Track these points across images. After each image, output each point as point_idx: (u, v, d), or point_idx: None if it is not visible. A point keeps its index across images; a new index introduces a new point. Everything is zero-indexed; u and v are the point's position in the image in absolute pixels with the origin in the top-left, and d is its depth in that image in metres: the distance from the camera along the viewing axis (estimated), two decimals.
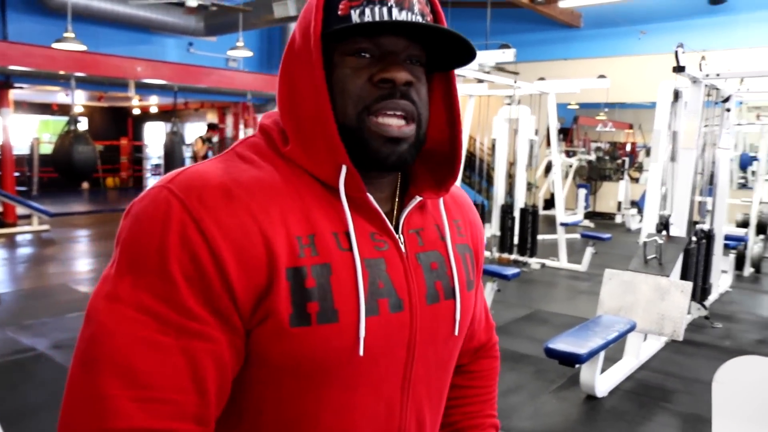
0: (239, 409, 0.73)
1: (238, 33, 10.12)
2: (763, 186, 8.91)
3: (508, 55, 5.78)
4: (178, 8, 10.55)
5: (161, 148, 17.92)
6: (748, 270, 7.47)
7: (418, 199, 0.81)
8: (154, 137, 18.14)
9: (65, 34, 7.53)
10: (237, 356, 0.69)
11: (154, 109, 15.96)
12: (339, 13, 0.71)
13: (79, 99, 11.19)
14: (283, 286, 0.67)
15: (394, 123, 0.73)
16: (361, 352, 0.71)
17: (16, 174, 10.14)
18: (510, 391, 3.78)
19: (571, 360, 3.32)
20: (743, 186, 11.32)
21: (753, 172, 10.48)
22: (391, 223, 0.78)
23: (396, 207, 0.81)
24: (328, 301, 0.69)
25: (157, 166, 17.50)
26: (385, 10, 0.71)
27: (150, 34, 11.68)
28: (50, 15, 9.50)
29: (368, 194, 0.75)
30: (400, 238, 0.78)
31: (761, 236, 8.04)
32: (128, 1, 9.53)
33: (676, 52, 4.85)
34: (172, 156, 8.48)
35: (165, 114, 16.66)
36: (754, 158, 9.42)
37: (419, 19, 0.73)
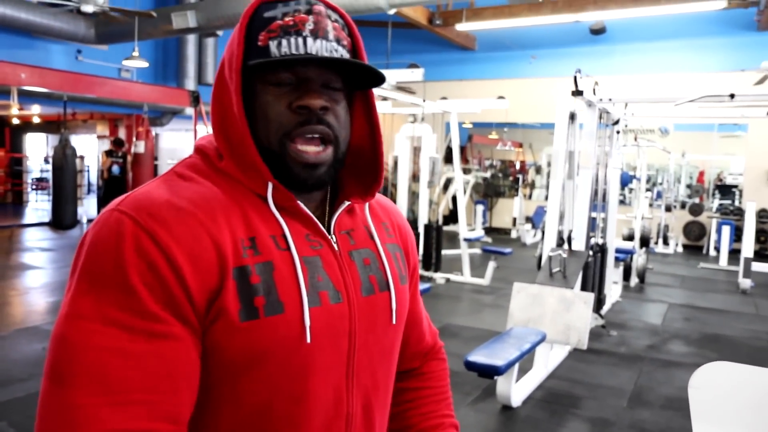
0: (200, 404, 0.76)
1: (132, 42, 9.68)
2: (643, 203, 9.66)
3: (416, 74, 5.93)
4: (65, 13, 9.95)
5: (45, 161, 16.80)
6: (634, 280, 8.04)
7: (347, 203, 0.89)
8: (36, 149, 16.91)
9: None
10: (198, 352, 0.74)
11: (36, 120, 14.88)
12: (259, 43, 0.78)
13: None
14: (231, 285, 0.73)
15: (311, 150, 0.80)
16: (309, 339, 0.77)
17: None
18: None
19: (491, 372, 3.42)
20: (622, 202, 12.22)
21: (631, 190, 11.34)
22: (323, 226, 0.85)
23: (327, 212, 0.89)
24: (273, 294, 0.75)
25: (40, 179, 16.29)
26: (300, 40, 0.77)
27: (32, 38, 10.93)
28: None
29: (299, 202, 0.82)
30: (332, 238, 0.85)
31: (644, 249, 8.70)
32: (5, 2, 8.87)
33: (575, 78, 5.17)
34: (63, 170, 7.91)
35: (49, 125, 15.59)
36: (633, 177, 10.18)
37: (334, 45, 0.79)
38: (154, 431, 0.68)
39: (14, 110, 11.54)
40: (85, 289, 0.70)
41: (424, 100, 7.53)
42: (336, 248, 0.85)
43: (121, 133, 12.48)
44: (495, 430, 3.57)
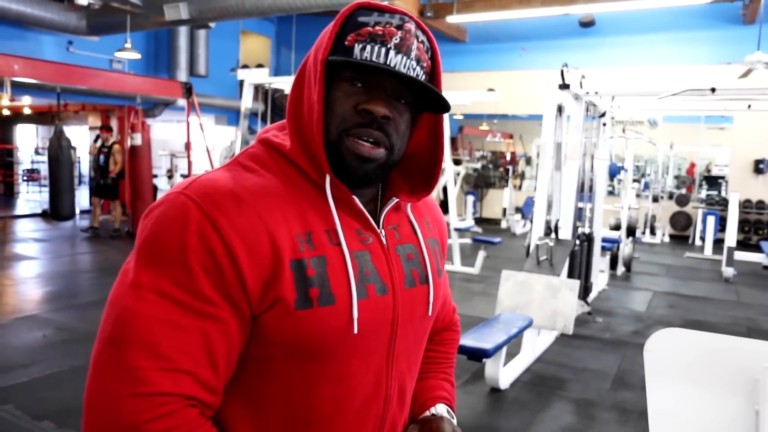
0: (246, 382, 0.85)
1: (125, 34, 9.71)
2: (630, 193, 9.83)
3: None
4: (56, 4, 9.95)
5: (35, 153, 16.77)
6: (620, 269, 8.22)
7: (395, 200, 0.95)
8: (26, 140, 16.88)
9: None
10: (243, 338, 0.81)
11: (27, 111, 14.86)
12: (346, 43, 0.83)
13: None
14: (288, 276, 0.80)
15: (366, 145, 0.85)
16: (356, 330, 0.84)
17: None
18: None
19: (479, 354, 3.56)
20: (611, 193, 12.39)
21: (620, 181, 11.52)
22: (374, 221, 0.92)
23: (378, 207, 0.95)
24: (326, 287, 0.82)
25: (31, 171, 16.27)
26: (383, 50, 0.82)
27: (23, 29, 10.92)
28: None
29: (353, 196, 0.88)
30: (381, 232, 0.92)
31: (630, 238, 8.88)
32: None
33: (562, 71, 5.30)
34: (59, 161, 7.96)
35: (40, 116, 15.55)
36: (621, 168, 10.35)
37: (414, 64, 0.84)
38: (197, 398, 0.76)
39: (5, 101, 11.53)
40: (146, 263, 0.77)
41: None
42: (384, 242, 0.91)
43: (114, 124, 12.50)
44: (484, 411, 3.71)
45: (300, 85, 0.88)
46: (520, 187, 14.82)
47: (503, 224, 13.36)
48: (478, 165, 14.60)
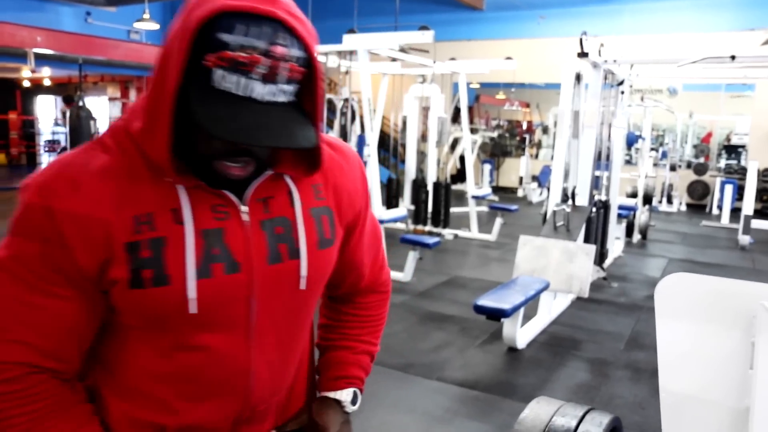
0: (110, 349, 0.92)
1: (142, 4, 9.79)
2: (647, 162, 9.83)
3: (427, 36, 6.06)
4: None
5: (55, 123, 16.98)
6: (636, 237, 8.28)
7: (269, 172, 0.92)
8: (46, 111, 17.08)
9: None
10: (94, 310, 0.87)
11: (47, 82, 15.03)
12: (204, 62, 0.77)
13: None
14: (122, 258, 0.83)
15: (236, 170, 0.85)
16: (193, 310, 0.85)
17: None
18: (440, 347, 4.12)
19: (498, 314, 3.70)
20: (628, 162, 12.37)
21: (637, 150, 11.49)
22: (240, 194, 0.90)
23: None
24: (160, 268, 0.84)
25: (52, 142, 16.51)
26: (245, 83, 0.77)
27: (42, 1, 11.02)
28: None
29: (202, 182, 0.86)
30: (243, 208, 0.89)
31: (647, 206, 8.92)
32: None
33: (581, 39, 5.32)
34: (79, 132, 8.12)
35: (60, 87, 15.72)
36: (639, 137, 10.33)
37: (281, 88, 0.79)
38: (40, 365, 0.84)
39: (27, 73, 11.67)
40: (6, 246, 0.84)
41: (434, 62, 7.66)
42: (246, 218, 0.89)
43: (132, 95, 12.64)
44: (502, 369, 3.86)
45: (160, 70, 0.80)
46: (536, 156, 14.81)
47: (519, 193, 13.40)
48: (495, 134, 14.59)
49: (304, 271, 0.94)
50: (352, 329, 1.15)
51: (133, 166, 0.85)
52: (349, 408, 1.11)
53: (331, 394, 1.11)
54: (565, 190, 5.69)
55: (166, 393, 0.91)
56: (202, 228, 0.86)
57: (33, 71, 12.46)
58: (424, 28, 5.97)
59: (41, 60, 10.50)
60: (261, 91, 0.78)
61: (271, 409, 1.02)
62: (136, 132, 0.85)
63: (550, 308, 4.78)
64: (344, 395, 1.10)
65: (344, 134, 10.77)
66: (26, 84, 15.68)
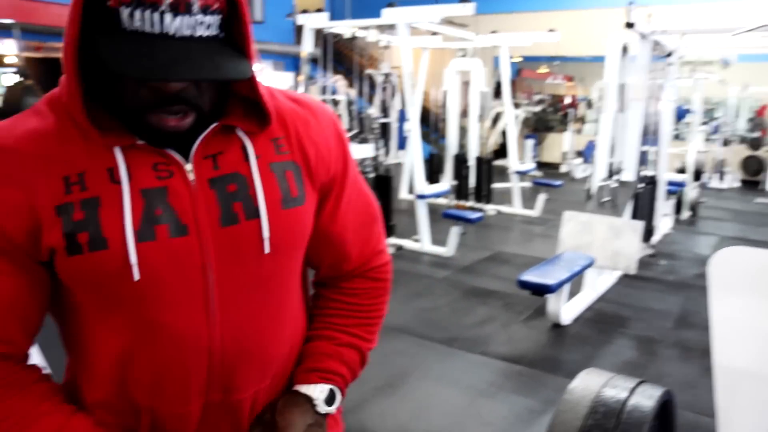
0: (67, 330, 0.86)
1: None
2: (697, 136, 9.53)
3: (468, 8, 5.95)
4: None
5: None
6: (685, 213, 8.07)
7: (213, 125, 0.83)
8: None
9: None
10: (35, 282, 0.80)
11: None
12: (108, 3, 0.70)
13: (14, 50, 10.73)
14: (52, 222, 0.76)
15: (171, 122, 0.76)
16: (137, 276, 0.77)
17: None
18: (484, 322, 4.12)
19: (542, 290, 3.67)
20: (677, 137, 12.01)
21: (687, 124, 11.13)
22: (186, 152, 0.81)
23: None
24: (96, 230, 0.76)
25: None
26: (156, 17, 0.69)
27: None
28: None
29: (137, 140, 0.79)
30: (187, 166, 0.81)
31: (697, 182, 8.66)
32: None
33: (628, 9, 5.15)
34: None
35: None
36: (688, 111, 10.00)
37: (198, 19, 0.72)
38: None
39: None
40: None
41: (477, 34, 7.54)
42: (191, 177, 0.81)
43: None
44: (546, 345, 3.84)
45: (68, 31, 0.74)
46: (580, 131, 14.51)
47: (563, 168, 13.17)
48: (537, 108, 14.32)
49: (265, 231, 0.83)
50: (337, 317, 1.00)
51: (65, 127, 0.78)
52: (322, 408, 0.93)
53: (302, 389, 0.94)
54: (610, 166, 5.57)
55: (128, 377, 0.83)
56: (142, 187, 0.78)
57: None
58: (464, 0, 5.86)
59: None
60: (175, 24, 0.70)
61: (259, 399, 0.91)
62: (63, 94, 0.79)
63: (596, 285, 4.71)
64: (316, 391, 0.93)
65: (384, 109, 10.73)
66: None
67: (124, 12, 0.69)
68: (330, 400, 0.94)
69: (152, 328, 0.80)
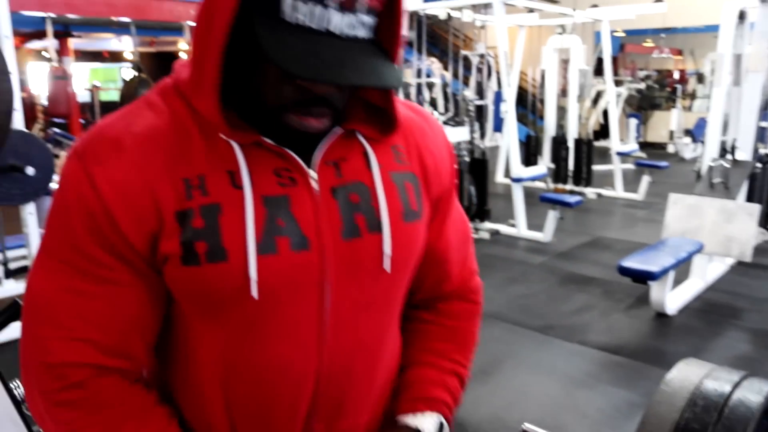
0: (174, 343, 0.79)
1: None
2: None
3: None
4: None
5: None
6: None
7: (338, 131, 0.77)
8: None
9: None
10: (155, 294, 0.74)
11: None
12: None
13: (131, 46, 11.45)
14: (172, 228, 0.70)
15: (312, 123, 0.71)
16: (254, 293, 0.71)
17: (81, 121, 10.48)
18: (582, 310, 3.99)
19: (644, 277, 3.49)
20: None
21: None
22: (306, 155, 0.75)
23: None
24: (216, 240, 0.70)
25: None
26: (321, 11, 0.65)
27: None
28: None
29: (264, 138, 0.73)
30: (310, 172, 0.75)
31: None
32: None
33: None
34: None
35: None
36: None
37: (361, 18, 0.67)
38: (102, 365, 0.71)
39: (183, 45, 12.56)
40: (50, 228, 0.73)
41: (574, 9, 7.24)
42: (314, 185, 0.74)
43: None
44: (648, 335, 3.66)
45: (210, 8, 0.68)
46: (690, 108, 13.64)
47: (670, 148, 12.45)
48: (642, 85, 13.58)
49: (387, 247, 0.77)
50: (437, 342, 0.93)
51: (182, 123, 0.72)
52: None
53: (409, 419, 0.86)
54: (723, 144, 5.19)
55: (229, 398, 0.77)
56: (264, 194, 0.72)
57: (188, 43, 13.40)
58: None
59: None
60: (339, 22, 0.65)
61: (360, 430, 0.85)
62: (184, 84, 0.73)
63: (705, 273, 4.43)
64: (426, 422, 0.86)
65: (480, 91, 10.55)
66: (183, 56, 16.89)
67: (287, 2, 0.64)
68: (439, 431, 0.87)
69: (260, 347, 0.75)
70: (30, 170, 3.47)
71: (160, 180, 0.70)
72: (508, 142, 6.55)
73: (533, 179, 6.53)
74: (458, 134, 5.98)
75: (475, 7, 6.73)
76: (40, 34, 9.03)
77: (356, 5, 0.66)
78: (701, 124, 10.92)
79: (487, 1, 6.12)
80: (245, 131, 0.72)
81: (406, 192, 0.80)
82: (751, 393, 1.13)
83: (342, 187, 0.76)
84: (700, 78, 14.11)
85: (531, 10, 7.91)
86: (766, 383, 1.17)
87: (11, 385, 1.40)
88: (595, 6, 8.18)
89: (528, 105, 11.03)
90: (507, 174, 7.40)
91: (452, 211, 0.91)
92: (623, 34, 13.69)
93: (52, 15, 8.30)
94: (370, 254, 0.76)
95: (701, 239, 4.21)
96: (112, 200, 0.69)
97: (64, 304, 0.71)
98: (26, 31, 9.76)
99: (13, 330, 1.17)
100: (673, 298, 3.95)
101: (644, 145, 12.78)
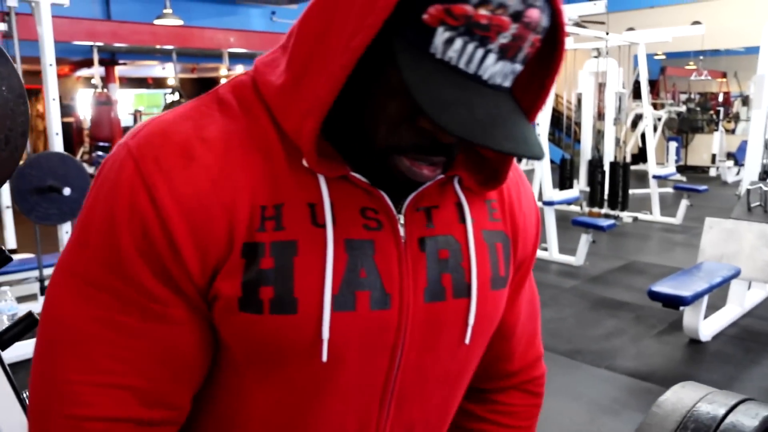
0: (216, 394, 0.66)
1: None
2: None
3: (599, 6, 5.71)
4: None
5: None
6: None
7: (440, 176, 0.63)
8: None
9: (164, 11, 7.97)
10: (208, 335, 0.62)
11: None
12: (424, 16, 0.51)
13: (173, 72, 11.86)
14: (236, 263, 0.57)
15: (425, 171, 0.59)
16: (324, 356, 0.59)
17: None
18: (611, 335, 3.90)
19: (676, 302, 3.40)
20: None
21: None
22: (393, 198, 0.63)
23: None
24: (287, 286, 0.57)
25: None
26: (480, 54, 0.52)
27: (235, 5, 12.07)
28: None
29: (354, 174, 0.61)
30: (399, 217, 0.63)
31: None
32: None
33: None
34: None
35: None
36: None
37: (515, 68, 0.55)
38: (145, 420, 0.59)
39: (224, 71, 12.91)
40: (82, 242, 0.59)
41: (606, 33, 7.19)
42: (402, 232, 0.63)
43: None
44: (680, 362, 3.56)
45: (335, 7, 0.55)
46: (733, 131, 13.32)
47: (712, 172, 12.17)
48: (683, 108, 13.34)
49: (472, 318, 0.66)
50: None
51: (261, 135, 0.60)
52: None
53: None
54: (764, 166, 5.05)
55: None
56: (348, 237, 0.60)
57: (228, 69, 13.78)
58: None
59: (234, 59, 11.59)
60: (492, 70, 0.53)
61: None
62: (272, 90, 0.60)
63: (743, 299, 4.29)
64: None
65: None
66: (223, 82, 17.34)
67: (442, 35, 0.51)
68: None
69: (314, 411, 0.63)
70: (67, 191, 3.60)
71: (237, 202, 0.57)
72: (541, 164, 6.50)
73: (565, 202, 6.45)
74: None
75: None
76: (89, 63, 9.44)
77: (519, 54, 0.54)
78: (744, 146, 10.64)
79: None
80: (335, 162, 0.59)
81: (496, 254, 0.69)
82: (746, 417, 1.08)
83: (432, 240, 0.65)
84: (744, 100, 13.80)
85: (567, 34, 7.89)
86: (765, 407, 1.12)
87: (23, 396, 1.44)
88: (631, 29, 8.12)
89: (564, 127, 10.95)
90: (541, 197, 7.34)
91: (527, 281, 0.80)
92: (664, 57, 13.51)
93: (100, 44, 8.66)
94: (451, 322, 0.66)
95: (739, 264, 4.09)
96: (175, 220, 0.56)
97: (101, 340, 0.57)
98: (76, 60, 10.20)
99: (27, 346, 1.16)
100: (707, 325, 3.83)
101: (685, 169, 12.52)
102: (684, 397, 1.17)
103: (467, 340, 0.67)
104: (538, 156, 0.54)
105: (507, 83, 0.56)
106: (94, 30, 8.40)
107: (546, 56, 0.59)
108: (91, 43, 8.62)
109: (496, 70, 0.53)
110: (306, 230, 0.58)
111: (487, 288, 0.67)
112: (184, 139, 0.58)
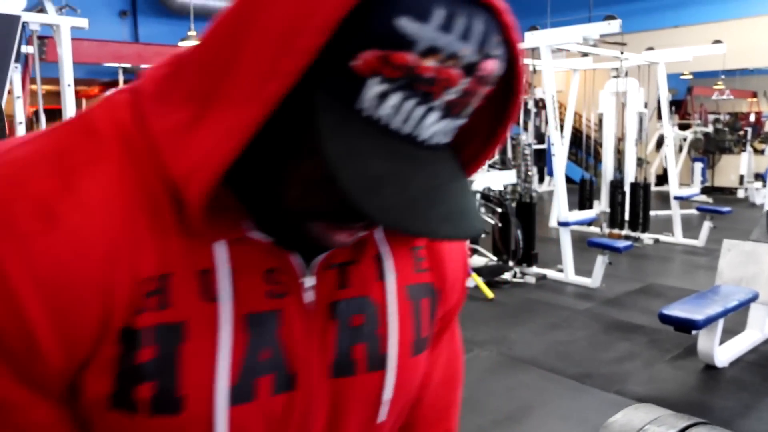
0: None
1: None
2: None
3: (613, 26, 5.65)
4: None
5: None
6: None
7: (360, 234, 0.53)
8: None
9: (189, 33, 8.15)
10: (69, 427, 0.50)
11: None
12: (352, 63, 0.41)
13: None
14: (110, 353, 0.46)
15: (341, 238, 0.50)
16: None
17: None
18: (623, 359, 3.81)
19: (687, 326, 3.32)
20: None
21: None
22: (307, 252, 0.53)
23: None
24: (171, 382, 0.47)
25: None
26: (418, 113, 0.43)
27: None
28: (173, 16, 10.31)
29: (254, 233, 0.51)
30: (304, 281, 0.53)
31: None
32: None
33: None
34: None
35: None
36: None
37: (456, 123, 0.46)
38: None
39: None
40: None
41: (621, 53, 7.15)
42: (309, 297, 0.53)
43: None
44: (694, 388, 3.46)
45: (231, 35, 0.45)
46: (762, 152, 13.05)
47: (740, 194, 11.90)
48: (710, 128, 13.14)
49: (388, 392, 0.57)
50: None
51: (145, 184, 0.47)
52: None
53: None
54: None
55: None
56: (248, 311, 0.50)
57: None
58: (610, 17, 5.59)
59: None
60: (433, 129, 0.44)
61: None
62: (161, 126, 0.47)
63: (764, 324, 4.16)
64: None
65: (540, 135, 10.45)
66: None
67: (374, 88, 0.42)
68: None
69: None
70: None
71: (113, 277, 0.45)
72: (556, 190, 6.45)
73: (582, 223, 6.37)
74: (505, 178, 5.95)
75: (532, 52, 6.75)
76: (117, 84, 9.69)
77: (466, 110, 0.45)
78: None
79: (534, 46, 6.13)
80: (230, 220, 0.49)
81: (420, 314, 0.60)
82: None
83: (345, 303, 0.55)
84: None
85: (585, 54, 7.85)
86: (716, 430, 1.08)
87: None
88: (650, 48, 8.05)
89: (584, 148, 10.87)
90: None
91: (446, 340, 0.69)
92: (690, 77, 13.35)
93: (127, 65, 8.90)
94: (362, 399, 0.56)
95: (758, 288, 3.98)
96: (32, 304, 0.43)
97: None
98: (105, 81, 10.48)
99: None
100: (724, 350, 3.72)
101: (711, 190, 12.28)
102: (634, 419, 1.13)
103: (381, 418, 0.58)
104: (475, 233, 0.46)
105: (447, 139, 0.47)
106: (120, 52, 8.64)
107: (499, 103, 0.50)
108: (117, 65, 8.86)
109: (437, 129, 0.44)
110: (197, 307, 0.48)
111: (408, 356, 0.58)
112: (44, 192, 0.44)
